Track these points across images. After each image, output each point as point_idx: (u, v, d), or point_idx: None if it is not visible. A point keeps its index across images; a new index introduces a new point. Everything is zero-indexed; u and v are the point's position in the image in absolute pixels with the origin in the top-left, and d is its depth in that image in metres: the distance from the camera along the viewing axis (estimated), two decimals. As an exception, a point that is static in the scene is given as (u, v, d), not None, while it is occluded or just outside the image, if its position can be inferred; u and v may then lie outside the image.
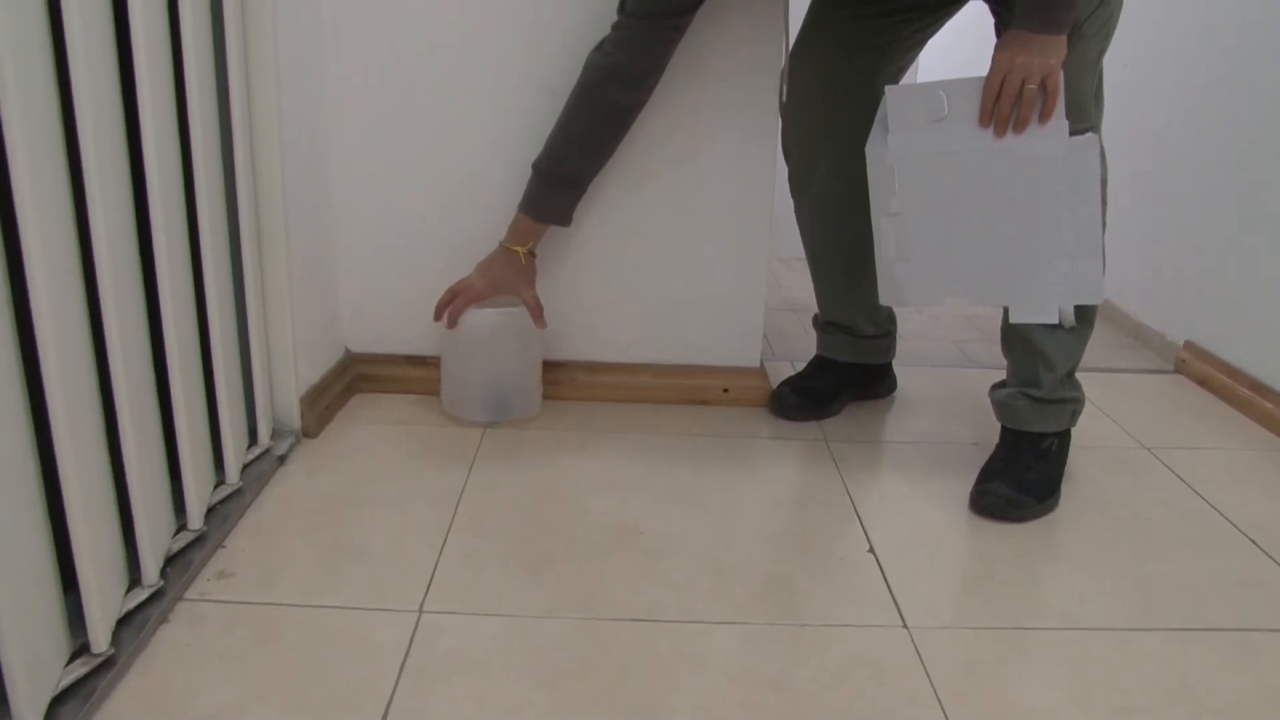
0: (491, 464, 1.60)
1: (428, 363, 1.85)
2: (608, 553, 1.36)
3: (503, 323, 1.68)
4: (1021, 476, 1.53)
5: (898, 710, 1.07)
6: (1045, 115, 1.34)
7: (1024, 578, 1.35)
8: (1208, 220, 2.19)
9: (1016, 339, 1.57)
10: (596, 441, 1.71)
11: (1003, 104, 1.34)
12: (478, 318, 1.67)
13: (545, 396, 1.85)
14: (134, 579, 1.17)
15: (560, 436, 1.73)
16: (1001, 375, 1.65)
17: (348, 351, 1.88)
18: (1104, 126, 1.48)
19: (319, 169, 1.70)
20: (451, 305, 1.66)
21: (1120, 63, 2.46)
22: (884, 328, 1.90)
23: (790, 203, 1.82)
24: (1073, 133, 1.35)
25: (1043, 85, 1.33)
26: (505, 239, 1.66)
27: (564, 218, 1.68)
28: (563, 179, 1.63)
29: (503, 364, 1.73)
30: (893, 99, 1.41)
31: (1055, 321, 1.46)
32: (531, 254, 1.67)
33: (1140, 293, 2.48)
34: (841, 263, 1.81)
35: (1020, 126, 1.35)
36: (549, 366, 1.86)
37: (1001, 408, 1.61)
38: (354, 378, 1.85)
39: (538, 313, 1.68)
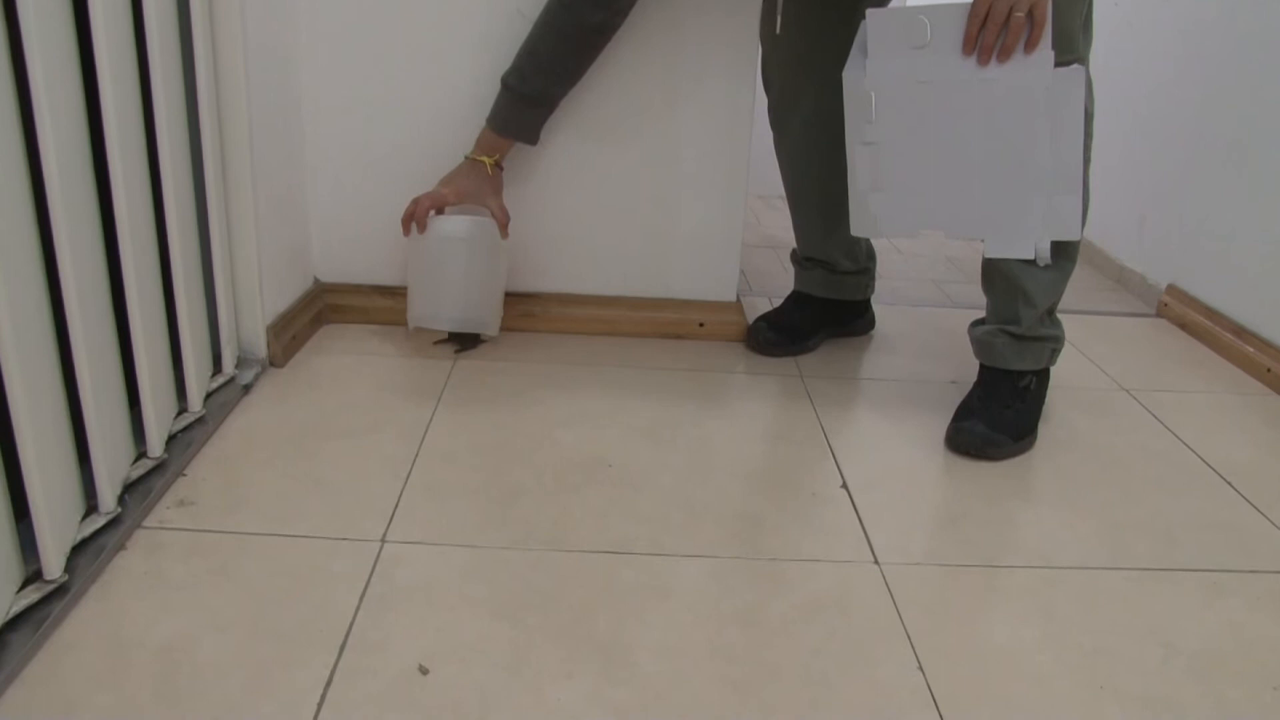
0: (460, 395, 1.58)
1: (397, 293, 1.82)
2: (576, 486, 1.34)
3: (470, 229, 1.64)
4: (998, 415, 1.51)
5: (866, 646, 1.06)
6: (1031, 45, 1.31)
7: (997, 516, 1.34)
8: (1193, 164, 2.16)
9: (997, 275, 1.54)
10: (568, 374, 1.69)
11: (988, 31, 1.30)
12: (448, 223, 1.64)
13: (517, 328, 1.82)
14: (91, 506, 1.14)
15: (531, 369, 1.70)
16: (982, 314, 1.62)
17: (317, 281, 1.84)
18: (1092, 65, 1.45)
19: (288, 97, 1.66)
20: (417, 211, 1.62)
21: (1111, 1, 2.43)
22: (862, 264, 1.87)
23: (770, 139, 1.78)
24: (1059, 64, 1.32)
25: (1030, 13, 1.29)
26: (472, 151, 1.63)
27: (531, 135, 1.64)
28: (530, 97, 1.59)
29: (469, 270, 1.68)
30: (873, 23, 1.37)
31: (1031, 257, 1.43)
32: (499, 165, 1.64)
33: (1123, 236, 2.46)
34: (820, 198, 1.77)
35: (1005, 55, 1.32)
36: (521, 298, 1.84)
37: (980, 345, 1.59)
38: (323, 308, 1.82)
39: (504, 222, 1.65)
